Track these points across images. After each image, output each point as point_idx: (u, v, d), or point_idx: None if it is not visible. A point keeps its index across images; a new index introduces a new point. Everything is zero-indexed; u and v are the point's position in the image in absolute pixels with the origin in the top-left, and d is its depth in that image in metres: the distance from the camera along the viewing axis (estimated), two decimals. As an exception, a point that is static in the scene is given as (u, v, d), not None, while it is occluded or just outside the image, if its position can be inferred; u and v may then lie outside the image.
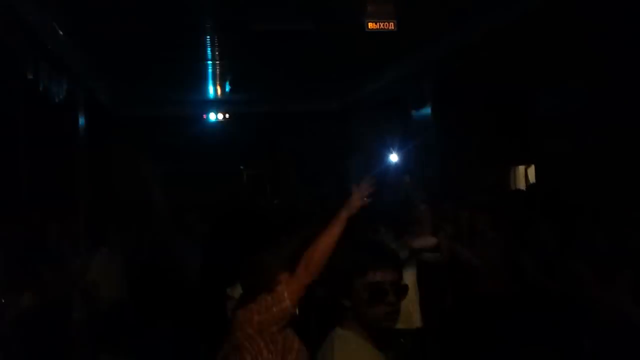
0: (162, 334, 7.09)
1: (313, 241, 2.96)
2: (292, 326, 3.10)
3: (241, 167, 15.59)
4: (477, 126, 8.88)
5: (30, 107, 7.02)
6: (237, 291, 3.41)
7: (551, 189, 6.32)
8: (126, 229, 7.29)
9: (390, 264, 2.24)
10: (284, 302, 2.92)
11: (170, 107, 13.47)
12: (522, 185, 9.46)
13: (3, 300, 4.29)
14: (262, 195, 14.57)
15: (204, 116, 14.02)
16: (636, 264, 3.81)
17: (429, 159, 9.50)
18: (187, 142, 13.93)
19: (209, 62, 9.95)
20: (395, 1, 6.78)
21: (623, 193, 5.36)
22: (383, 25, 6.91)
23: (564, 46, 6.06)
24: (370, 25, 6.90)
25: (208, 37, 8.42)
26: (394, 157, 11.98)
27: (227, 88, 12.01)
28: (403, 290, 2.23)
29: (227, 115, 14.03)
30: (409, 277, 5.00)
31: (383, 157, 12.29)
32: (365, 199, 3.01)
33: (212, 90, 12.57)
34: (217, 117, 14.04)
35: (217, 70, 10.62)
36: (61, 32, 7.47)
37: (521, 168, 9.71)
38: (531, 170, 8.97)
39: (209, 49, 8.99)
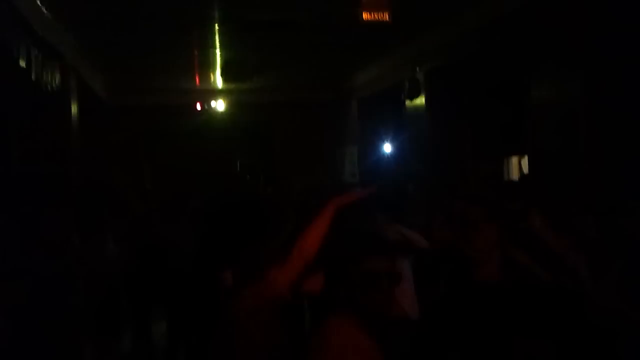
0: (156, 320, 7.12)
1: (305, 229, 2.96)
2: (287, 315, 3.10)
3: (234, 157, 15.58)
4: (471, 117, 8.89)
5: (22, 95, 6.98)
6: (231, 278, 3.41)
7: (545, 179, 6.33)
8: (119, 216, 7.29)
9: (383, 252, 2.24)
10: (276, 288, 2.92)
11: (163, 96, 13.42)
12: (515, 176, 9.49)
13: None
14: (256, 184, 14.55)
15: (198, 105, 13.97)
16: (629, 255, 3.82)
17: (422, 149, 9.50)
18: (180, 131, 13.90)
19: (204, 51, 9.91)
20: (390, -9, 6.78)
21: (617, 184, 5.37)
22: (377, 15, 6.90)
23: (559, 37, 6.05)
24: (365, 15, 6.89)
25: (202, 26, 8.39)
26: (387, 148, 11.99)
27: (221, 77, 11.97)
28: (396, 277, 2.26)
29: (221, 105, 13.99)
30: (405, 268, 5.03)
31: (377, 147, 12.31)
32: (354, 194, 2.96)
33: (207, 79, 12.53)
34: (211, 107, 14.00)
35: (211, 59, 10.58)
36: (54, 19, 7.42)
37: (515, 159, 9.74)
38: (524, 161, 8.99)
39: (203, 38, 8.96)
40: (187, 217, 7.39)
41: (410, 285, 5.19)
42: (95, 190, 7.68)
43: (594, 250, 4.36)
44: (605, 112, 5.64)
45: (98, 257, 6.07)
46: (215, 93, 13.83)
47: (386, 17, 6.88)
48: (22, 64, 6.52)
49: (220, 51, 9.97)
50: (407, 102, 9.83)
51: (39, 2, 6.91)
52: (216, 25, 8.39)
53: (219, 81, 12.55)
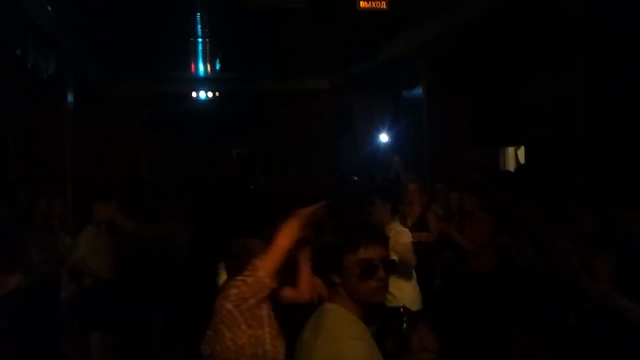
0: (151, 311, 7.11)
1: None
2: (276, 306, 3.11)
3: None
4: (468, 107, 8.89)
5: (18, 83, 6.96)
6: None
7: (541, 170, 6.35)
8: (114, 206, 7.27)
9: (379, 240, 2.29)
10: (259, 273, 2.93)
11: (159, 85, 13.38)
12: (511, 167, 9.50)
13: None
14: (252, 174, 14.54)
15: (194, 94, 13.94)
16: (623, 245, 3.83)
17: (419, 139, 9.50)
18: (176, 120, 13.88)
19: (199, 40, 9.88)
20: (387, -20, 6.76)
21: (612, 175, 5.39)
22: (375, 4, 6.88)
23: (557, 29, 6.05)
24: (362, 4, 6.87)
25: (198, 14, 8.36)
26: (384, 137, 11.99)
27: (217, 66, 11.94)
28: (392, 266, 2.29)
29: (217, 93, 13.96)
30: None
31: (374, 136, 12.31)
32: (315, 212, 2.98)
33: (202, 67, 12.50)
34: (206, 95, 13.97)
35: (207, 47, 10.56)
36: (50, 8, 7.38)
37: (511, 149, 9.75)
38: (521, 152, 9.00)
39: (199, 26, 8.93)
40: (182, 206, 7.39)
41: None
42: (91, 179, 7.66)
43: (588, 241, 4.37)
44: (601, 103, 5.64)
45: (91, 247, 6.06)
46: (211, 81, 13.80)
47: (383, 4, 6.86)
48: (19, 51, 6.50)
49: (217, 39, 9.94)
50: (405, 92, 9.82)
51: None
52: (212, 13, 8.36)
53: (215, 69, 12.52)
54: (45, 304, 5.30)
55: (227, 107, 14.22)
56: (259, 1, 7.36)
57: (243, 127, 14.55)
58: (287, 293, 3.36)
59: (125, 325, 6.89)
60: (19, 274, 3.99)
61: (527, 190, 5.97)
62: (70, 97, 9.06)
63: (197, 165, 12.82)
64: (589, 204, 4.71)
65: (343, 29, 9.02)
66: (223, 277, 3.44)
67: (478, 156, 9.21)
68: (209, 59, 11.54)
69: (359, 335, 2.19)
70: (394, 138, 11.62)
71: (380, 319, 2.58)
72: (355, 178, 8.42)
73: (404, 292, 4.69)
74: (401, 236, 4.72)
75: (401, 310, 4.50)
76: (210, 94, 13.94)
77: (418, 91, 9.42)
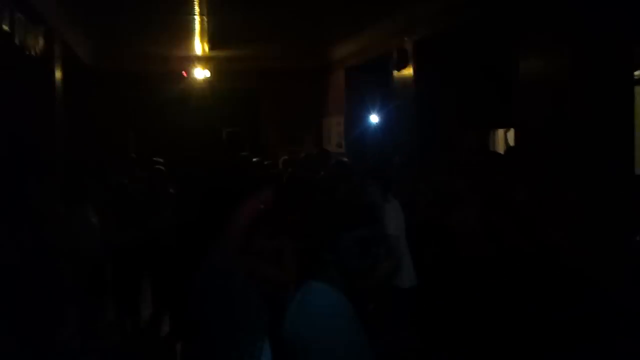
0: (141, 291, 7.13)
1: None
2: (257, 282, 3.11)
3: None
4: (458, 89, 8.88)
5: (5, 60, 6.88)
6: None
7: (530, 153, 6.37)
8: (105, 186, 7.26)
9: (375, 219, 2.38)
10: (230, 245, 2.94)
11: (149, 63, 13.30)
12: (501, 149, 9.54)
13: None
14: (241, 153, 14.49)
15: (185, 73, 13.87)
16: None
17: (409, 120, 9.50)
18: (166, 98, 13.80)
19: (190, 17, 9.79)
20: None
21: (602, 157, 5.42)
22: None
23: (547, 10, 6.03)
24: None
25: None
26: (373, 118, 11.98)
27: (208, 45, 11.86)
28: (385, 244, 2.38)
29: (207, 72, 13.89)
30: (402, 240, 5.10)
31: (363, 117, 12.30)
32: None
33: (193, 46, 12.41)
34: (196, 74, 13.90)
35: (198, 26, 10.47)
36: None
37: (501, 131, 9.78)
38: (510, 134, 9.03)
39: (190, 3, 8.85)
40: (171, 186, 7.37)
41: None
42: (79, 158, 7.62)
43: (577, 223, 4.42)
44: (591, 86, 5.65)
45: (82, 226, 6.05)
46: (201, 60, 13.71)
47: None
48: (5, 27, 6.42)
49: (207, 18, 9.87)
50: (395, 73, 9.80)
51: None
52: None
53: (205, 48, 12.44)
54: (36, 282, 5.30)
55: (217, 86, 14.16)
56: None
57: (233, 107, 14.49)
58: (270, 273, 3.38)
59: (117, 303, 6.93)
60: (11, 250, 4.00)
61: (517, 173, 6.00)
62: (58, 75, 8.99)
63: (188, 145, 12.76)
64: (578, 186, 4.75)
65: (333, 8, 8.97)
66: None
67: (468, 138, 9.23)
68: (200, 37, 11.46)
69: (345, 314, 2.23)
70: (384, 119, 11.62)
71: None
72: (345, 159, 8.42)
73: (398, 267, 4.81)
74: (394, 212, 4.88)
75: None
76: (200, 73, 13.87)
77: (408, 71, 9.40)
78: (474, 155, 7.77)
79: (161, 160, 7.87)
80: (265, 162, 8.73)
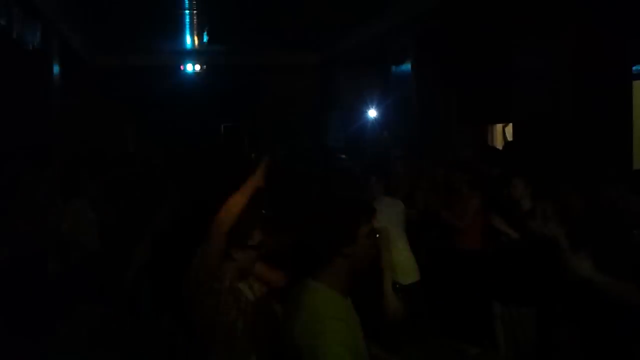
0: (138, 285, 7.11)
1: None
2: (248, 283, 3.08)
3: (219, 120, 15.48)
4: (457, 84, 8.87)
5: (2, 54, 6.85)
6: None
7: (528, 147, 6.36)
8: (100, 180, 7.22)
9: (376, 212, 2.44)
10: (208, 249, 2.93)
11: (146, 57, 13.26)
12: (499, 144, 9.52)
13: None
14: (239, 148, 14.49)
15: (181, 67, 13.83)
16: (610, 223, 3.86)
17: (407, 115, 9.49)
18: (163, 93, 13.76)
19: (187, 12, 9.77)
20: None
21: (599, 151, 5.41)
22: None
23: (546, 5, 6.03)
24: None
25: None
26: (372, 113, 11.97)
27: (205, 39, 11.83)
28: (377, 233, 2.45)
29: (204, 67, 13.86)
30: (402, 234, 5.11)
31: (362, 112, 12.28)
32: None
33: (190, 40, 12.38)
34: (194, 69, 13.86)
35: (195, 20, 10.44)
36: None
37: (499, 126, 9.76)
38: (509, 129, 9.02)
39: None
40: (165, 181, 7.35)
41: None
42: (76, 151, 7.60)
43: (574, 218, 4.40)
44: (589, 81, 5.65)
45: (79, 219, 6.03)
46: (199, 55, 13.68)
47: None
48: (3, 21, 6.39)
49: (205, 12, 9.84)
50: (393, 68, 9.78)
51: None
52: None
53: (202, 42, 12.40)
54: (33, 277, 5.28)
55: (215, 80, 14.13)
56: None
57: (231, 101, 14.47)
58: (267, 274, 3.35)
59: (114, 297, 6.90)
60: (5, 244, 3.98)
61: (515, 167, 5.99)
62: (56, 69, 8.96)
63: (184, 139, 12.74)
64: (576, 181, 4.74)
65: (332, 3, 8.95)
66: None
67: (466, 133, 9.21)
68: (197, 31, 11.43)
69: (342, 316, 2.20)
70: (383, 114, 11.60)
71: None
72: (343, 156, 8.41)
73: (398, 263, 4.82)
74: (394, 206, 4.84)
75: (397, 286, 4.64)
76: (197, 67, 13.84)
77: (407, 67, 9.38)
78: (472, 150, 7.76)
79: (159, 154, 7.85)
80: (263, 157, 8.68)
